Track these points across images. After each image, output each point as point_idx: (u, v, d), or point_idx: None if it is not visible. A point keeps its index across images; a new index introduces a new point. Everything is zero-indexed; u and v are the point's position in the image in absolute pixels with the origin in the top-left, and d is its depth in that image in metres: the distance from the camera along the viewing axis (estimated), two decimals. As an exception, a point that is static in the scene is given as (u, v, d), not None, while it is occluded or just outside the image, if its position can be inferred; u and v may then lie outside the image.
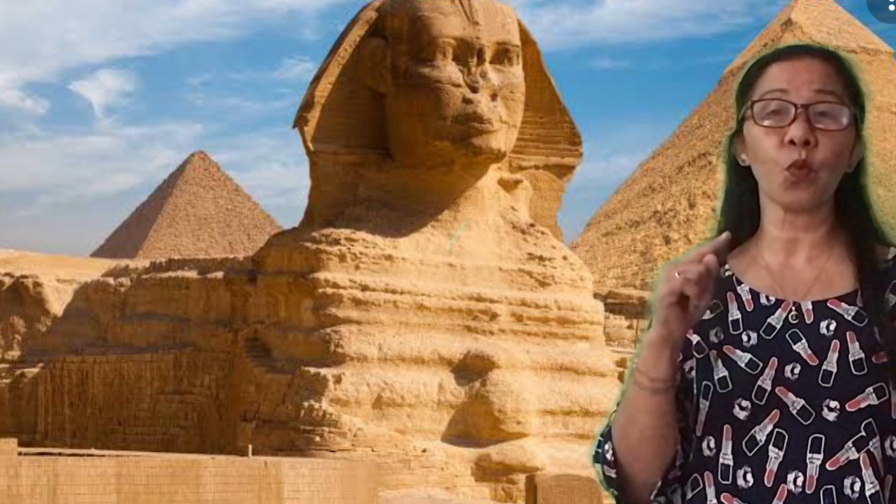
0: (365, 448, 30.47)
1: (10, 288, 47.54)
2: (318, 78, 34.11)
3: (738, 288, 3.35)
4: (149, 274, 42.30)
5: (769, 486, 3.20)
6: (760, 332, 3.29)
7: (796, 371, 3.23)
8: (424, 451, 30.98)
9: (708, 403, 3.28)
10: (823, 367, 3.22)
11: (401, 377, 31.84)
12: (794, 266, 3.35)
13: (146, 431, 38.26)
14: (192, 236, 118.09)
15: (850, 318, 3.26)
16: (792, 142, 3.25)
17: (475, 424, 31.86)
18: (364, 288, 32.67)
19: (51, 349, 44.15)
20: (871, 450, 3.19)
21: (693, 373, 3.32)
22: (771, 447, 3.21)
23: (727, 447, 3.25)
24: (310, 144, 33.71)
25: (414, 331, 32.69)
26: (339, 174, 33.90)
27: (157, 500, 22.06)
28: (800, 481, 3.18)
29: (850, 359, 3.21)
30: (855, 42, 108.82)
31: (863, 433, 3.19)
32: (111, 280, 44.18)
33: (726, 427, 3.25)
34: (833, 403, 3.19)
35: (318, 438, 30.70)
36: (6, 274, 48.17)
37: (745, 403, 3.24)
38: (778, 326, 3.28)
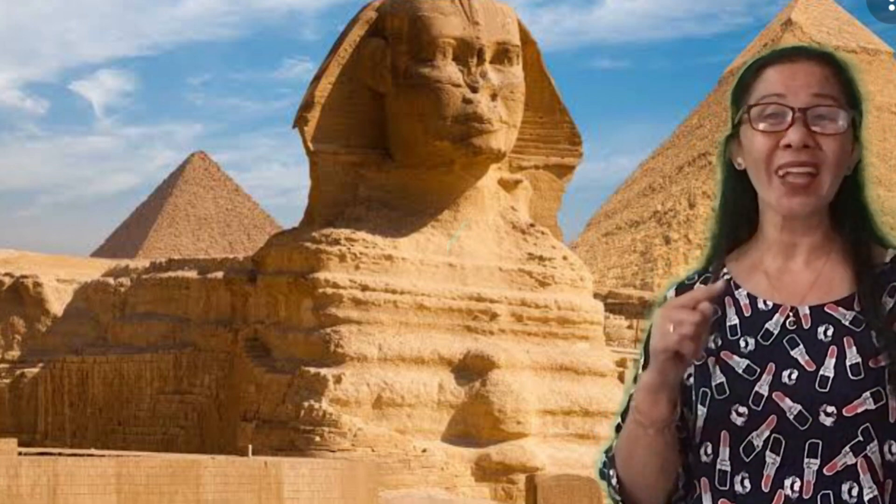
0: (365, 448, 30.47)
1: (10, 288, 47.53)
2: (318, 78, 34.11)
3: (737, 293, 3.33)
4: (149, 274, 42.29)
5: (766, 491, 3.19)
6: (758, 337, 3.27)
7: (794, 377, 3.21)
8: (424, 451, 30.98)
9: (705, 410, 3.27)
10: (821, 372, 3.20)
11: (401, 377, 31.84)
12: (792, 270, 3.33)
13: (146, 431, 38.25)
14: (192, 236, 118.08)
15: (847, 323, 3.24)
16: (789, 146, 3.24)
17: (475, 424, 31.86)
18: (364, 288, 32.67)
19: (51, 349, 44.13)
20: (869, 455, 3.17)
21: (691, 380, 3.31)
22: (768, 453, 3.20)
23: (724, 453, 3.24)
24: (310, 144, 33.71)
25: (414, 331, 32.68)
26: (339, 174, 33.90)
27: (157, 500, 22.05)
28: (797, 487, 3.17)
29: (848, 364, 3.19)
30: (855, 42, 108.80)
31: (860, 438, 3.17)
32: (111, 280, 44.17)
33: (724, 433, 3.24)
34: (830, 409, 3.18)
35: (318, 438, 30.69)
36: (6, 274, 48.16)
37: (742, 409, 3.23)
38: (775, 332, 3.27)
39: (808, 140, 3.24)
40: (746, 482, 3.20)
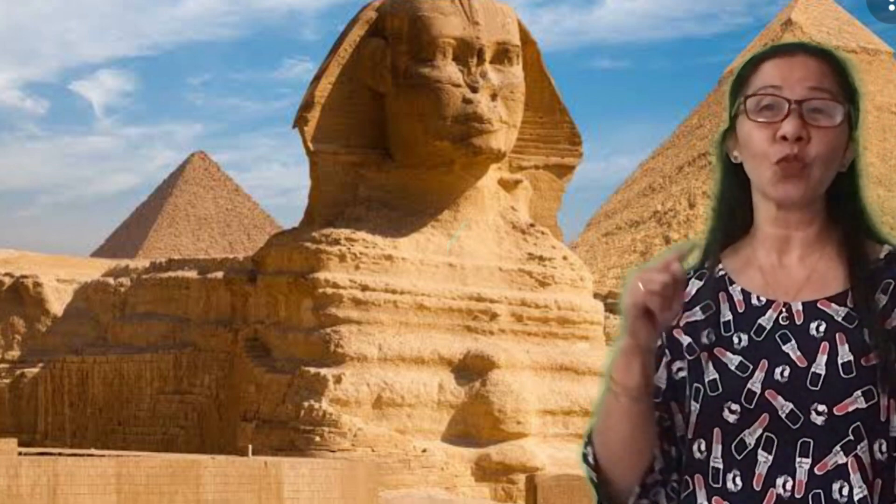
0: (365, 448, 30.47)
1: (10, 288, 47.53)
2: (318, 78, 34.12)
3: (731, 288, 3.32)
4: (149, 274, 42.31)
5: (758, 490, 3.17)
6: (751, 333, 3.26)
7: (786, 374, 3.20)
8: (424, 451, 30.98)
9: (698, 406, 3.26)
10: (812, 369, 3.19)
11: (401, 377, 31.85)
12: (786, 265, 3.32)
13: (146, 431, 38.27)
14: (192, 236, 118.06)
15: (840, 320, 3.23)
16: (784, 137, 3.23)
17: (475, 424, 31.86)
18: (364, 288, 32.68)
19: (51, 349, 44.15)
20: (860, 454, 3.15)
21: (683, 374, 3.30)
22: (760, 451, 3.18)
23: (717, 450, 3.23)
24: (310, 144, 33.72)
25: (414, 331, 32.69)
26: (339, 174, 33.91)
27: (157, 500, 22.05)
28: (789, 486, 3.15)
29: (839, 361, 3.18)
30: (855, 42, 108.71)
31: (851, 437, 3.15)
32: (111, 280, 44.18)
33: (716, 430, 3.23)
34: (821, 407, 3.16)
35: (318, 438, 30.70)
36: (6, 274, 48.16)
37: (734, 407, 3.21)
38: (768, 327, 3.25)
39: (802, 132, 3.23)
40: (738, 480, 3.19)
